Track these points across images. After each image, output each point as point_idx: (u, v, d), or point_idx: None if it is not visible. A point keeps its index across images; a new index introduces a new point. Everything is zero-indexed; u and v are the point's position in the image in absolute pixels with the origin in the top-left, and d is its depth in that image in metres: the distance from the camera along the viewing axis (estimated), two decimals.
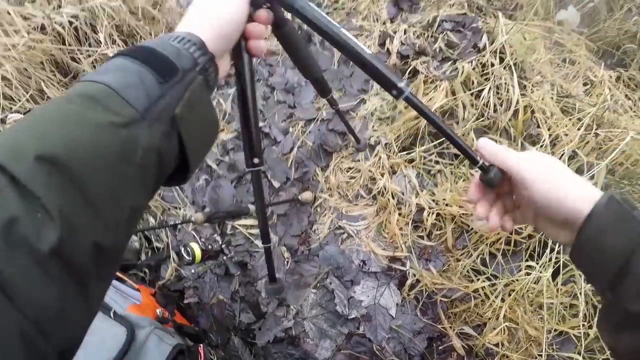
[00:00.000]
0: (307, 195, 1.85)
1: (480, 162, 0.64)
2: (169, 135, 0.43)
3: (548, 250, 1.51)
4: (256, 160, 0.63)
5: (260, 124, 2.04)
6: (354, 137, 1.18)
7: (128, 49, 0.46)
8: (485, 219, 0.67)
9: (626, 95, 2.09)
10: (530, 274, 1.52)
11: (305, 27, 1.96)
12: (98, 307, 0.40)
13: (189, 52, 0.48)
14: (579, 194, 0.54)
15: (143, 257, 1.80)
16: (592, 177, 1.48)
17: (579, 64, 2.12)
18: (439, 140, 1.79)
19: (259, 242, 1.83)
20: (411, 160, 1.84)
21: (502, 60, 1.81)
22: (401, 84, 0.65)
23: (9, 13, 1.90)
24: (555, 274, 1.51)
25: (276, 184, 1.94)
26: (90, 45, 2.05)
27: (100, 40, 2.05)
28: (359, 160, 1.92)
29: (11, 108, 1.82)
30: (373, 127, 1.95)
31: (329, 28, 0.66)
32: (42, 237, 0.33)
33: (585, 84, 2.04)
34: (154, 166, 0.42)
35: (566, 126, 1.72)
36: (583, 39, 2.30)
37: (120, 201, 0.39)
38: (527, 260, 1.58)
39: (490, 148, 0.63)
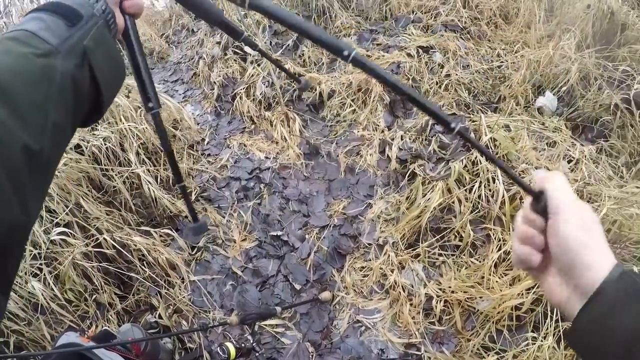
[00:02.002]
0: (326, 295, 2.06)
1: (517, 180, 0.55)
2: (81, 67, 0.54)
3: (548, 320, 1.69)
4: (150, 104, 0.71)
5: (279, 232, 2.33)
6: (294, 78, 1.29)
7: (40, 5, 0.57)
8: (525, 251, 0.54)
9: (609, 164, 2.31)
10: (535, 343, 1.69)
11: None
12: (36, 215, 0.49)
13: (89, 2, 0.60)
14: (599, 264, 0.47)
15: (177, 357, 1.86)
16: None
17: (562, 142, 2.34)
18: (440, 235, 2.08)
19: (285, 339, 1.97)
20: (417, 256, 2.10)
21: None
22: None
23: None
24: (559, 340, 1.66)
25: (297, 286, 2.14)
26: (120, 165, 2.31)
27: (128, 159, 2.33)
28: (370, 260, 2.18)
29: (52, 220, 1.97)
30: (380, 228, 2.24)
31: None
32: None
33: (569, 161, 2.27)
34: (70, 91, 0.52)
35: None
36: (562, 120, 2.56)
37: (44, 113, 0.48)
38: (532, 332, 1.75)
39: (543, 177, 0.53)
